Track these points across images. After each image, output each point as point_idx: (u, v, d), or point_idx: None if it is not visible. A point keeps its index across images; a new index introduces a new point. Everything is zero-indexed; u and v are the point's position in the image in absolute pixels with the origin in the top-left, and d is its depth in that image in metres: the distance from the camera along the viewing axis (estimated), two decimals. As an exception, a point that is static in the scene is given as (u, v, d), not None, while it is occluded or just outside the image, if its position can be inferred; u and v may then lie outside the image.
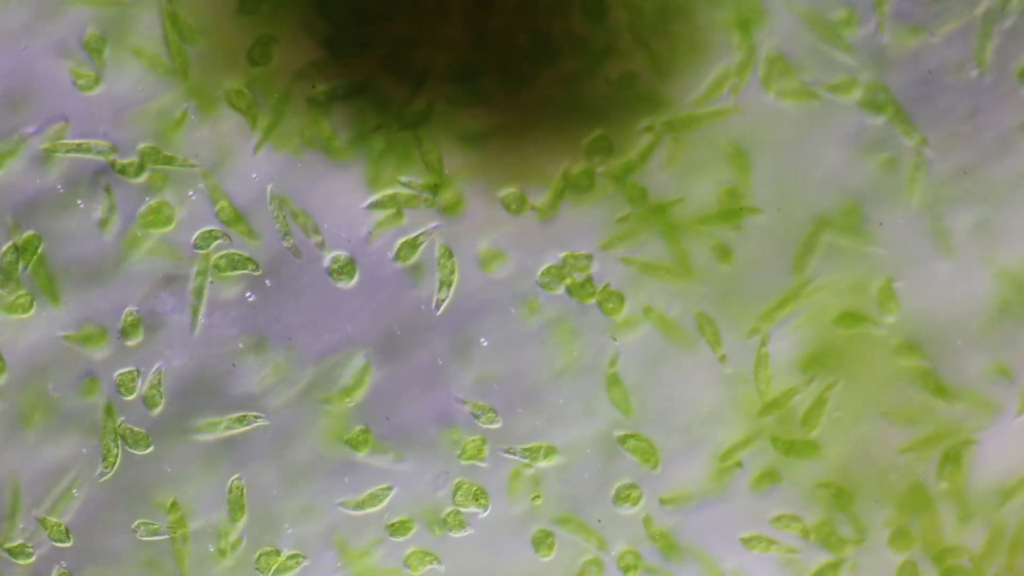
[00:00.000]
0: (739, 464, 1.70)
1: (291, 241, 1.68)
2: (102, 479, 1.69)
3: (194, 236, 1.69)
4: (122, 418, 1.68)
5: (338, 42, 1.67)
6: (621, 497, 1.71)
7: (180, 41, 1.66)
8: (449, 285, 1.69)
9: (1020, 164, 1.71)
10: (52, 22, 1.67)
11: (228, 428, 1.69)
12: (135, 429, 1.68)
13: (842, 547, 1.72)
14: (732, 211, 1.70)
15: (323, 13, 1.67)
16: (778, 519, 1.72)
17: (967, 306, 1.72)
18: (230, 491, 1.68)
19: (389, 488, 1.70)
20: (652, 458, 1.71)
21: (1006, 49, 1.70)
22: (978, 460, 1.73)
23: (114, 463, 1.68)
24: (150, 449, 1.69)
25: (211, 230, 1.69)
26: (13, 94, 1.67)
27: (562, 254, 1.70)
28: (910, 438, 1.72)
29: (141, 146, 1.68)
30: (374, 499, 1.70)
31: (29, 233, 1.68)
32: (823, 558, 1.72)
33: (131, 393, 1.69)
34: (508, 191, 1.69)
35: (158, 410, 1.69)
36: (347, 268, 1.69)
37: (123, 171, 1.68)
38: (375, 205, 1.69)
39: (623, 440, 1.71)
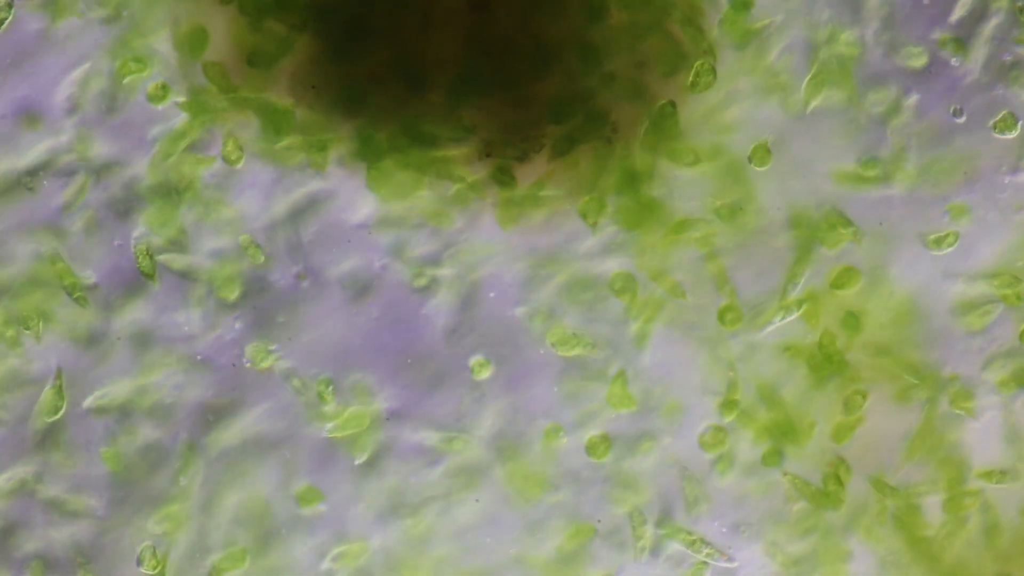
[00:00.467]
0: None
1: (300, 266, 1.67)
2: (115, 494, 1.69)
3: (201, 250, 1.68)
4: (131, 433, 1.68)
5: (339, 50, 1.66)
6: (618, 490, 1.73)
7: (189, 53, 1.65)
8: (457, 298, 1.70)
9: (1006, 157, 1.73)
10: (65, 38, 1.65)
11: (239, 438, 1.69)
12: (143, 442, 1.68)
13: (833, 539, 1.74)
14: (731, 213, 1.71)
15: (322, 20, 1.65)
16: (769, 513, 1.74)
17: (964, 304, 1.74)
18: (241, 503, 1.69)
19: (392, 488, 1.71)
20: (649, 447, 1.72)
21: (995, 45, 1.72)
22: (975, 457, 1.76)
23: (125, 476, 1.68)
24: (160, 464, 1.69)
25: (218, 245, 1.68)
26: (28, 113, 1.65)
27: (564, 263, 1.71)
28: (906, 434, 1.74)
29: (148, 158, 1.66)
30: (378, 497, 1.71)
31: (46, 251, 1.66)
32: (817, 555, 1.75)
33: (139, 409, 1.68)
34: (513, 203, 1.69)
35: (168, 425, 1.69)
36: (355, 285, 1.69)
37: (130, 184, 1.67)
38: (382, 221, 1.69)
39: (622, 435, 1.72)
